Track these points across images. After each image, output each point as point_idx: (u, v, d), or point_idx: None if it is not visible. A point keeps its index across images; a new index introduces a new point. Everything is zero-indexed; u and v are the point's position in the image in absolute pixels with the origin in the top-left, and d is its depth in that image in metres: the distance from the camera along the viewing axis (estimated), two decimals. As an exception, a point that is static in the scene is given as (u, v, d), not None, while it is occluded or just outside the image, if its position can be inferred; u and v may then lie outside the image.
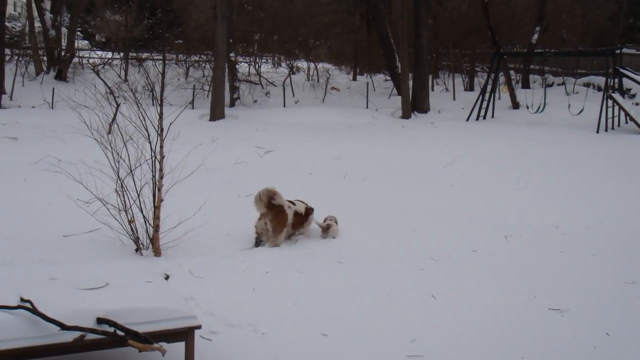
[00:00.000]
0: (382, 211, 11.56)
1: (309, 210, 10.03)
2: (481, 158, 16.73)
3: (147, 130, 9.02)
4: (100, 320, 4.75)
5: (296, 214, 9.72)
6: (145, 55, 33.26)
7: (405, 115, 25.41)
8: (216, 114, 23.61)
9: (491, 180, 14.38)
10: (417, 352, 6.08)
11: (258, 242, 9.48)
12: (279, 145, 18.14)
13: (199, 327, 5.18)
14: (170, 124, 9.16)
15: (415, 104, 26.51)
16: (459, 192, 13.33)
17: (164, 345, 4.82)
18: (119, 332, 4.73)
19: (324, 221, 10.09)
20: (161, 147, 8.95)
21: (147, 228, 9.00)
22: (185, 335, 5.14)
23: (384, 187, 13.65)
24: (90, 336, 4.68)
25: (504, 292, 7.77)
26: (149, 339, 4.75)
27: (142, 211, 8.98)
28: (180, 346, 5.20)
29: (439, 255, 9.04)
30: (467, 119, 24.78)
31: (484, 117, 25.07)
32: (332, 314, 6.95)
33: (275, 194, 9.42)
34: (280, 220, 9.41)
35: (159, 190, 8.93)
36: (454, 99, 30.29)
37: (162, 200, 8.94)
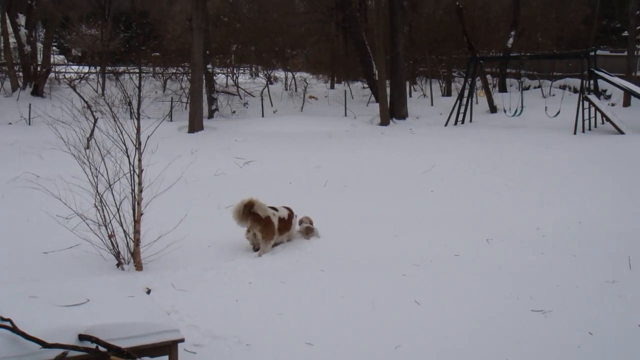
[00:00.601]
0: (363, 218, 11.56)
1: (291, 215, 10.22)
2: (460, 163, 16.79)
3: (125, 144, 8.99)
4: (82, 337, 4.70)
5: (280, 219, 9.91)
6: (122, 68, 33.15)
7: (384, 122, 25.48)
8: (195, 125, 23.55)
9: (471, 185, 14.44)
10: (402, 359, 6.08)
11: (256, 249, 9.72)
12: (259, 156, 18.11)
13: (182, 340, 5.15)
14: (148, 137, 9.13)
15: (393, 110, 26.59)
16: (440, 197, 13.37)
17: (147, 360, 4.79)
18: (101, 349, 4.68)
19: (300, 223, 10.26)
20: (139, 160, 8.91)
21: (127, 242, 8.94)
22: (168, 349, 5.11)
23: (365, 194, 13.67)
24: (72, 353, 4.64)
25: (487, 295, 7.79)
26: (131, 354, 4.72)
27: (122, 225, 8.93)
28: (164, 360, 5.16)
29: (421, 261, 9.05)
30: (446, 124, 24.89)
31: (462, 122, 25.19)
32: (316, 323, 6.93)
33: (254, 204, 9.54)
34: (269, 230, 9.65)
35: (138, 204, 8.88)
36: (432, 104, 30.43)
37: (142, 214, 8.89)
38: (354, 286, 8.05)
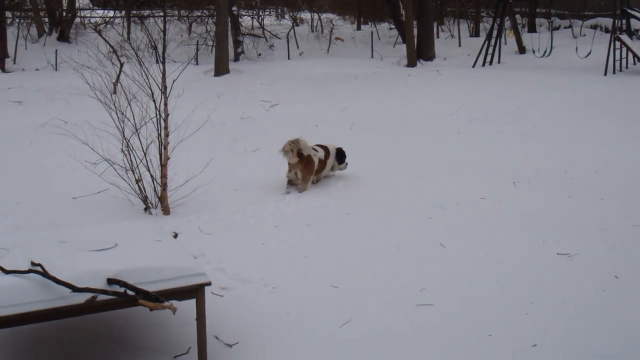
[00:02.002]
0: (389, 161, 11.54)
1: (327, 155, 10.40)
2: (488, 105, 16.61)
3: (151, 89, 9.00)
4: (110, 281, 4.78)
5: (319, 160, 10.11)
6: (147, 12, 32.97)
7: (411, 64, 25.20)
8: (220, 69, 23.46)
9: (498, 127, 14.28)
10: (426, 301, 6.13)
11: (289, 187, 9.91)
12: (285, 99, 18.04)
13: (209, 283, 5.20)
14: (174, 81, 9.13)
15: (420, 51, 26.26)
16: (466, 140, 13.27)
17: (175, 303, 4.85)
18: (130, 292, 4.75)
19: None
20: (165, 104, 8.93)
21: (154, 187, 9.02)
22: (195, 292, 5.17)
23: (391, 137, 13.61)
24: (102, 297, 4.71)
25: (513, 238, 7.80)
26: (159, 298, 4.78)
27: (149, 170, 9.00)
28: (191, 303, 5.24)
29: (447, 204, 9.05)
30: (473, 66, 24.56)
31: (490, 63, 24.83)
32: (342, 265, 6.99)
33: (299, 142, 9.71)
34: (309, 169, 9.88)
35: (165, 148, 8.94)
36: (460, 45, 29.98)
37: (168, 158, 8.95)
38: (379, 229, 8.09)
